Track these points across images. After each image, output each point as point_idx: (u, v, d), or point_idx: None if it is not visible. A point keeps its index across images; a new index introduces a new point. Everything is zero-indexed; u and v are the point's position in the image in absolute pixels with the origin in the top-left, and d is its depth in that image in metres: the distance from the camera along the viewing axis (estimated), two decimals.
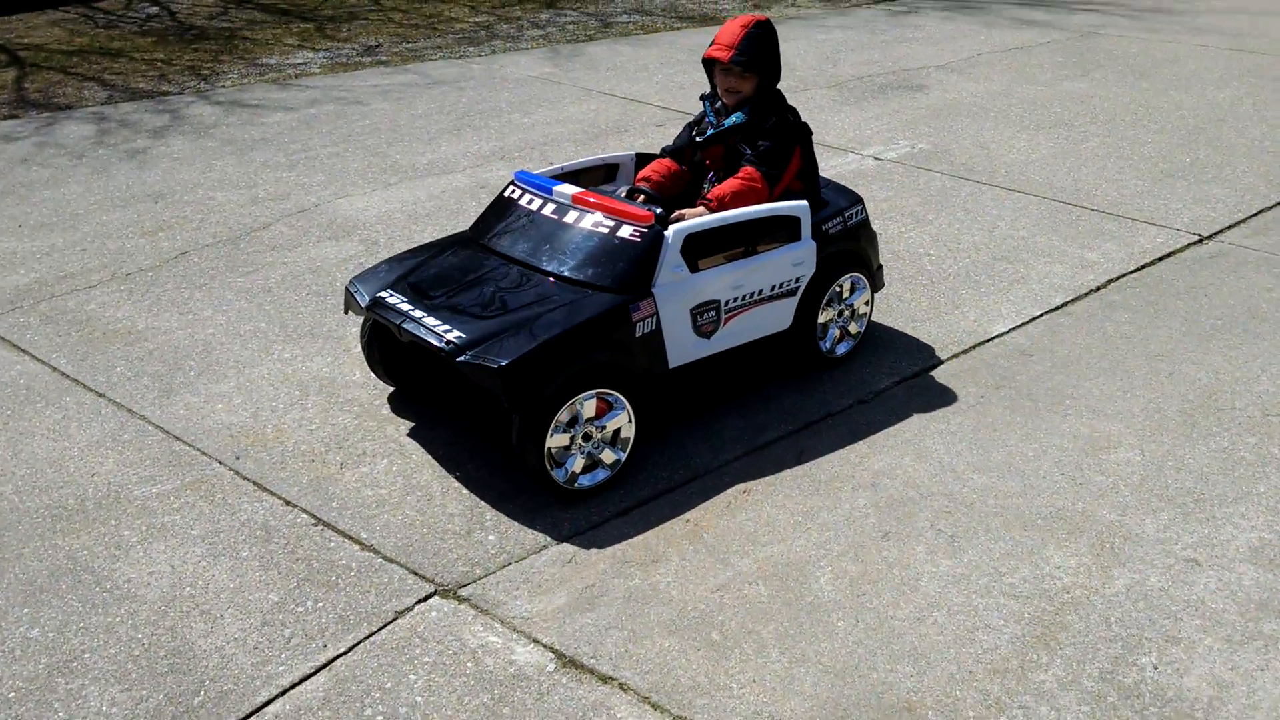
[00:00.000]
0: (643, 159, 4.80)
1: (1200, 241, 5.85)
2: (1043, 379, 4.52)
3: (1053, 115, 8.29)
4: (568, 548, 3.58)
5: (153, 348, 4.92)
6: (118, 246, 6.03)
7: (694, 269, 3.98)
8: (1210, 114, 8.31)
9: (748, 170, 4.23)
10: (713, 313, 4.05)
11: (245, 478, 3.98)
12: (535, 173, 4.39)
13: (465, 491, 3.89)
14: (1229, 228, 6.01)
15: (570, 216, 4.06)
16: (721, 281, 4.05)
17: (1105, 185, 6.69)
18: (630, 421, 3.85)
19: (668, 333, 3.93)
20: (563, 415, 3.66)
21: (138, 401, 4.48)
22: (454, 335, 3.70)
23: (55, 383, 4.63)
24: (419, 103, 8.80)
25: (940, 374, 4.59)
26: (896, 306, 5.16)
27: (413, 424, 4.30)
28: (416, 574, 3.47)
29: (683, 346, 4.01)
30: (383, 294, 4.02)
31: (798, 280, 4.32)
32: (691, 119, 4.62)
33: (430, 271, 4.13)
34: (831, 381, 4.54)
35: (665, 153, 4.60)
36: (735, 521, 3.68)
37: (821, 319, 4.48)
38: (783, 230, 4.24)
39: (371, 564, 3.52)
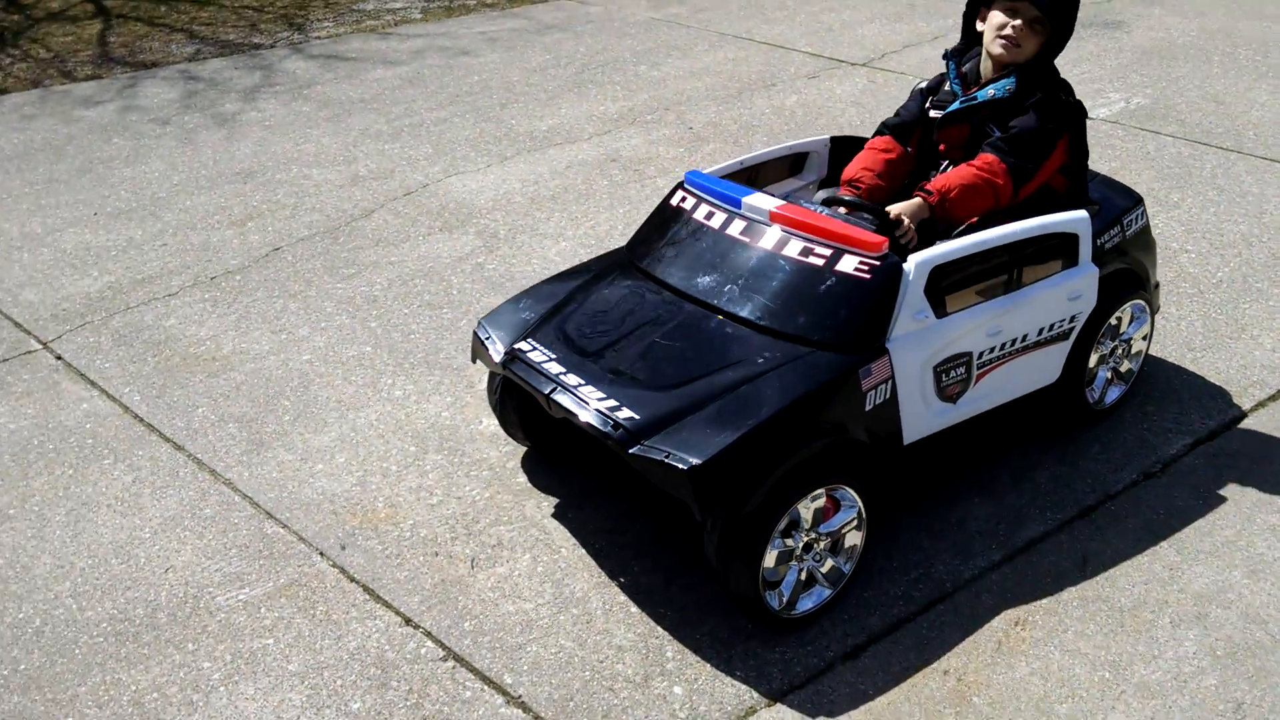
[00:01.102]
0: (842, 145, 3.73)
1: None
2: None
3: None
4: (785, 713, 2.62)
5: (240, 380, 4.07)
6: (202, 240, 5.20)
7: (941, 313, 2.94)
8: None
9: (986, 158, 3.09)
10: (962, 369, 3.01)
11: (354, 579, 3.11)
12: (709, 172, 3.37)
13: (634, 609, 2.95)
14: None
15: (769, 240, 3.03)
16: (976, 328, 3.00)
17: None
18: (861, 525, 2.86)
19: (904, 399, 2.91)
20: (780, 523, 2.69)
21: (223, 458, 3.64)
22: (624, 415, 2.73)
23: (127, 429, 3.82)
24: (532, 53, 7.78)
25: (1247, 431, 3.47)
26: (1161, 328, 4.02)
27: (557, 500, 3.37)
28: None
29: (921, 416, 2.98)
30: (522, 345, 3.07)
31: (1073, 319, 3.24)
32: (923, 84, 3.47)
33: (582, 313, 3.15)
34: (1099, 442, 3.46)
35: (886, 129, 3.46)
36: (1014, 676, 2.68)
37: (1091, 361, 3.39)
38: (1055, 252, 3.15)
39: None
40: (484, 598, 3.02)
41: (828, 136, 3.76)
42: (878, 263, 2.87)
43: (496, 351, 3.11)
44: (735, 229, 3.11)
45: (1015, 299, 3.06)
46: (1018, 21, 3.09)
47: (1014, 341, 3.10)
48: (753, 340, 2.90)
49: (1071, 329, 3.25)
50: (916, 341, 2.90)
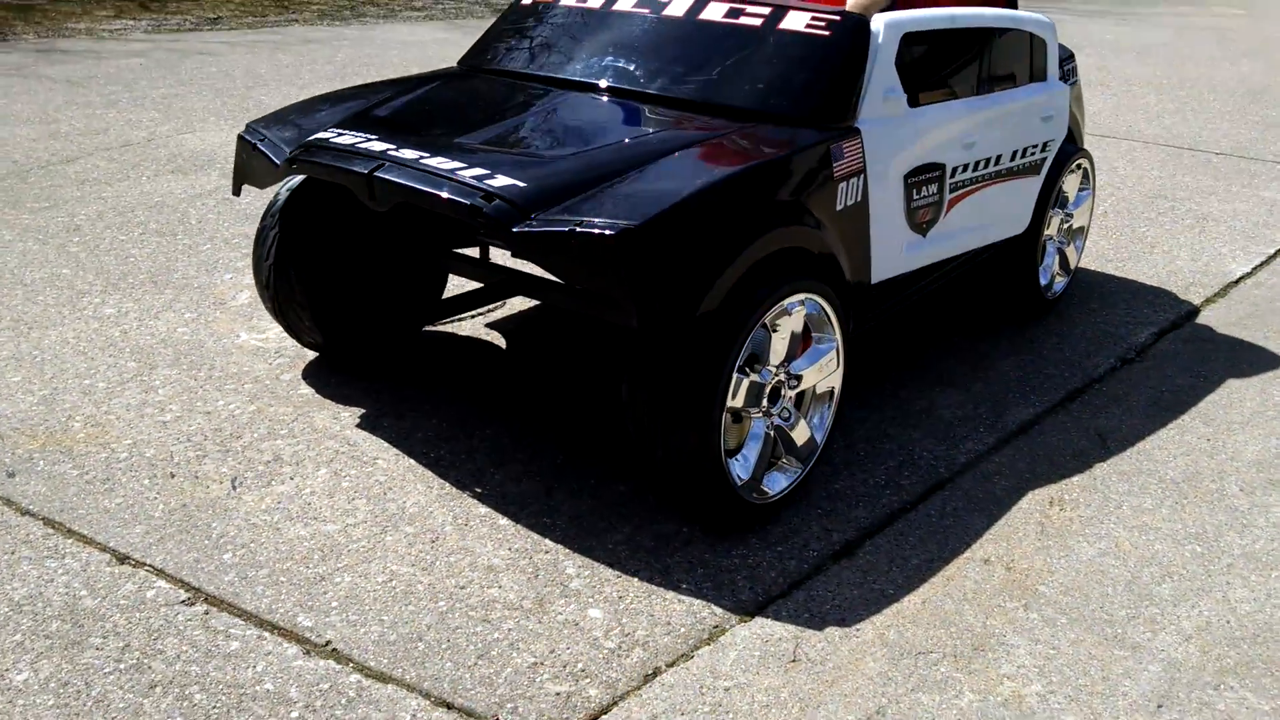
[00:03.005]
0: None
1: None
2: None
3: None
4: (774, 629, 1.65)
5: None
6: None
7: (913, 101, 2.19)
8: (1244, 85, 7.15)
9: None
10: (934, 186, 2.26)
11: (26, 511, 1.89)
12: None
13: (503, 521, 1.91)
14: None
15: (681, 8, 2.23)
16: (952, 129, 2.29)
17: (1208, 133, 5.26)
18: (839, 363, 1.98)
19: (875, 212, 2.11)
20: (747, 335, 1.75)
21: None
22: (500, 183, 1.77)
23: None
24: (284, 56, 6.75)
25: (1211, 322, 2.91)
26: None
27: (363, 410, 2.28)
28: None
29: (891, 244, 2.19)
30: (323, 135, 2.04)
31: (1045, 147, 2.62)
32: None
33: (412, 104, 2.20)
34: (1055, 335, 2.79)
35: None
36: (1081, 559, 1.84)
37: (1047, 228, 2.75)
38: (1025, 57, 2.54)
39: (348, 697, 1.50)
40: (255, 522, 1.88)
41: None
42: (838, 18, 2.11)
43: (278, 151, 2.06)
44: (626, 3, 2.28)
45: (989, 102, 2.39)
46: None
47: (988, 162, 2.40)
48: (680, 117, 2.04)
49: (1044, 160, 2.61)
50: (889, 131, 2.13)
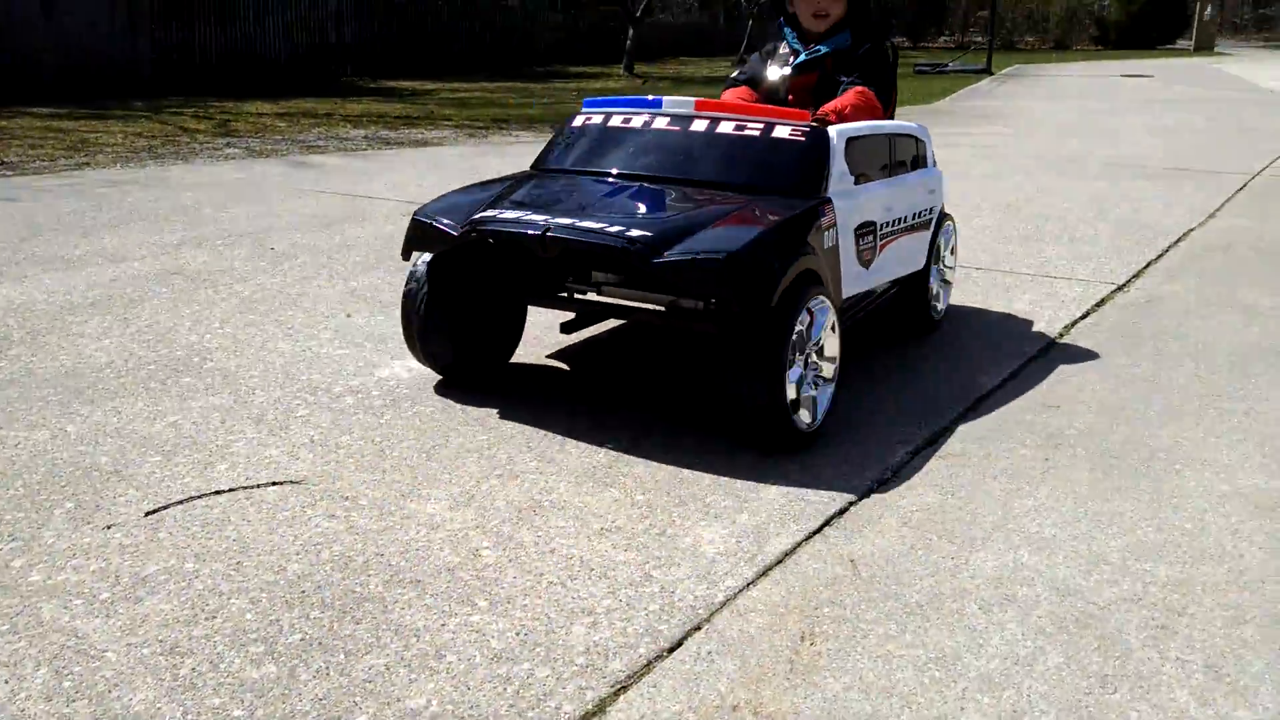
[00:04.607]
0: None
1: (1121, 289, 4.87)
2: (1100, 432, 3.13)
3: None
4: None
5: None
6: None
7: (856, 182, 3.30)
8: (1005, 201, 7.74)
9: (859, 89, 3.59)
10: (871, 237, 3.35)
11: None
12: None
13: (239, 714, 1.80)
14: (1135, 278, 5.10)
15: (701, 126, 3.31)
16: (878, 199, 3.41)
17: (970, 249, 5.66)
18: (834, 331, 3.01)
19: (842, 254, 3.19)
20: (798, 321, 2.83)
21: None
22: (636, 234, 2.75)
23: None
24: (68, 203, 6.51)
25: (962, 438, 3.08)
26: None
27: (101, 594, 2.14)
28: None
29: (851, 273, 3.27)
30: (487, 213, 2.96)
31: (931, 210, 3.85)
32: (762, 48, 3.93)
33: (535, 192, 3.15)
34: (819, 461, 2.89)
35: (738, 83, 3.86)
36: (826, 696, 1.87)
37: (931, 281, 4.01)
38: (911, 151, 3.77)
39: None
40: None
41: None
42: (808, 130, 3.23)
43: (452, 226, 2.98)
44: (661, 123, 3.34)
45: (896, 182, 3.57)
46: (820, 1, 3.69)
47: (899, 220, 3.55)
48: (718, 194, 3.08)
49: (930, 219, 3.85)
50: (844, 200, 3.18)
